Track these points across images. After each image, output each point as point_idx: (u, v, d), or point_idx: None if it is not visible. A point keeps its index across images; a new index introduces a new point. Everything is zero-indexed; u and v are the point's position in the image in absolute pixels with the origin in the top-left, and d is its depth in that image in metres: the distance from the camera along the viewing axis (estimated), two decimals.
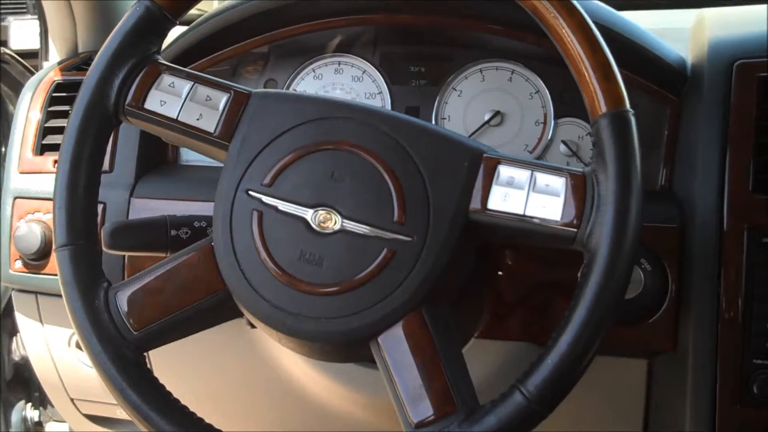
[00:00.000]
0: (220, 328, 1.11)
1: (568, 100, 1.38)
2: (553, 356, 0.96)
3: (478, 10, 1.36)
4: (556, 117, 1.40)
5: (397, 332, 1.02)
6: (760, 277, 1.21)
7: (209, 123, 1.10)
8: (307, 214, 1.05)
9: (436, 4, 1.38)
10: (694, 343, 1.23)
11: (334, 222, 1.04)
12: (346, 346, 1.05)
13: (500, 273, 1.32)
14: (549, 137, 1.40)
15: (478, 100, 1.44)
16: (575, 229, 0.99)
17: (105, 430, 1.75)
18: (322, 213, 1.04)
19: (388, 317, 1.02)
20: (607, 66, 1.01)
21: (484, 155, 1.04)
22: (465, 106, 1.44)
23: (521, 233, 1.04)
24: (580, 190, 1.00)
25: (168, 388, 1.05)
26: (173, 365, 1.44)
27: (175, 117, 1.10)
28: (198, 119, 1.10)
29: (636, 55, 1.34)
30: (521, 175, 1.03)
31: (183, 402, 1.06)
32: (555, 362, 0.96)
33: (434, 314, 1.03)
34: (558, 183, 1.02)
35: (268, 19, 1.46)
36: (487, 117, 1.43)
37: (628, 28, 1.34)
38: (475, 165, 1.04)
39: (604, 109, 0.99)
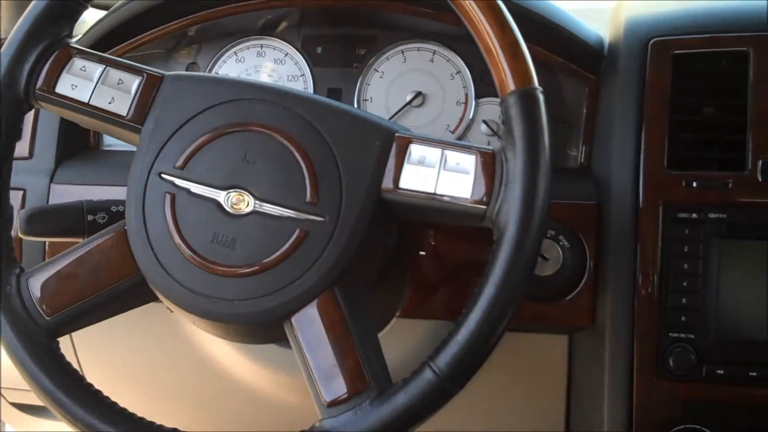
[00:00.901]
0: (144, 310, 1.11)
1: (488, 81, 1.40)
2: (463, 333, 0.97)
3: None
4: (477, 97, 1.42)
5: (310, 312, 1.03)
6: (675, 252, 1.24)
7: (121, 106, 1.10)
8: (220, 196, 1.05)
9: None
10: (612, 318, 1.25)
11: (247, 204, 1.05)
12: (260, 327, 1.06)
13: (423, 253, 1.32)
14: (470, 117, 1.41)
15: (400, 82, 1.45)
16: (485, 207, 1.01)
17: (34, 418, 1.75)
18: (234, 195, 1.05)
19: (301, 297, 1.03)
20: (516, 44, 1.02)
21: (396, 134, 1.05)
22: (387, 87, 1.45)
23: (433, 211, 1.05)
24: (490, 167, 1.01)
25: (92, 372, 1.06)
26: (98, 350, 1.45)
27: (86, 101, 1.10)
28: (110, 103, 1.10)
29: (553, 35, 1.36)
30: (432, 153, 1.05)
31: (107, 387, 1.06)
32: (465, 339, 0.97)
33: (347, 293, 1.04)
34: (468, 161, 1.03)
35: (189, 2, 1.45)
36: (408, 98, 1.44)
37: (545, 8, 1.36)
38: (387, 144, 1.05)
39: (512, 87, 1.01)
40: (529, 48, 1.29)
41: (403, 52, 1.45)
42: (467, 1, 1.04)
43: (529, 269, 0.99)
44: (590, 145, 1.36)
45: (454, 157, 1.04)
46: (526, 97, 1.01)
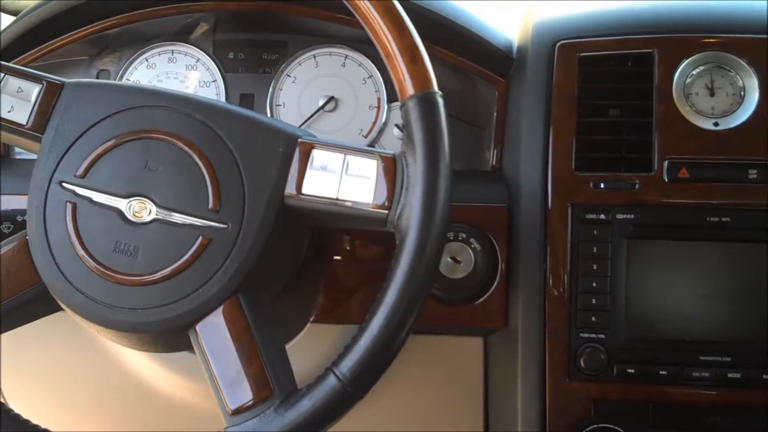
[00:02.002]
0: (60, 317, 1.11)
1: None
2: (366, 338, 0.98)
3: None
4: (389, 101, 1.43)
5: (214, 320, 1.04)
6: (585, 253, 1.26)
7: (21, 115, 1.10)
8: (122, 204, 1.05)
9: None
10: (523, 319, 1.27)
11: (149, 211, 1.05)
12: (164, 336, 1.06)
13: (338, 258, 1.33)
14: (383, 121, 1.43)
15: (312, 86, 1.47)
16: (386, 211, 1.02)
17: None
18: (136, 203, 1.05)
19: (204, 305, 1.03)
20: (414, 49, 1.04)
21: (299, 140, 1.06)
22: (300, 92, 1.46)
23: (336, 216, 1.06)
24: (391, 172, 1.02)
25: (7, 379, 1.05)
26: (14, 356, 1.44)
27: None
28: (9, 111, 1.10)
29: (463, 38, 1.38)
30: (335, 159, 1.06)
31: (23, 394, 1.06)
32: (367, 344, 0.98)
33: (252, 301, 1.05)
34: (370, 166, 1.04)
35: (97, 8, 1.45)
36: (321, 102, 1.45)
37: (455, 13, 1.39)
38: (290, 150, 1.06)
39: (411, 91, 1.02)
40: (439, 52, 1.31)
41: (315, 57, 1.46)
42: (366, 5, 1.04)
43: (431, 273, 1.01)
44: (501, 147, 1.37)
45: (356, 162, 1.05)
46: (425, 101, 1.02)
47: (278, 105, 1.46)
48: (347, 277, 1.34)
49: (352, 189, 1.05)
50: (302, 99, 1.45)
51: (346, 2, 1.08)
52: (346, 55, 1.44)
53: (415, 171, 1.01)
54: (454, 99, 1.43)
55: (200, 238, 1.04)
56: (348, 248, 1.33)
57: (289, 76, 1.46)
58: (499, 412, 1.37)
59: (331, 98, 1.44)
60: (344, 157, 1.06)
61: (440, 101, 1.02)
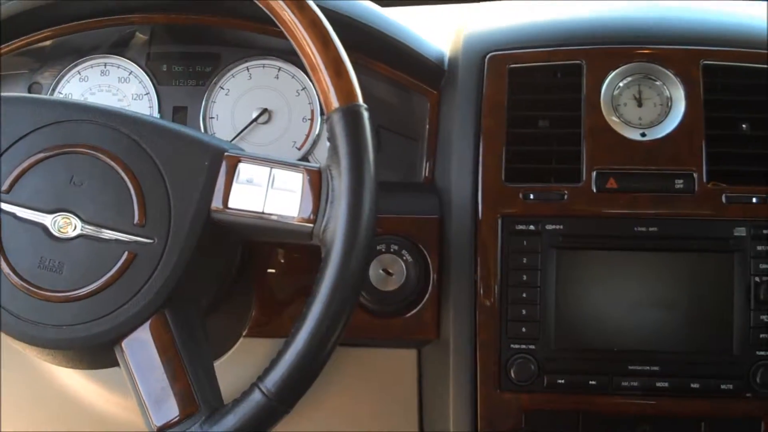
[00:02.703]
0: None
1: None
2: (291, 352, 0.99)
3: (232, 8, 1.38)
4: (323, 113, 1.43)
5: (140, 336, 1.04)
6: (515, 263, 1.28)
7: None
8: (46, 220, 1.05)
9: (187, 4, 1.39)
10: (455, 331, 1.28)
11: (74, 227, 1.05)
12: (89, 352, 1.07)
13: (272, 271, 1.34)
14: (317, 133, 1.44)
15: (245, 99, 1.47)
16: (312, 225, 1.03)
17: None
18: (61, 218, 1.05)
19: (130, 321, 1.03)
20: (339, 62, 1.05)
21: (225, 153, 1.07)
22: (233, 104, 1.47)
23: (262, 230, 1.07)
24: (316, 185, 1.03)
25: None
26: None
27: None
28: None
29: (394, 51, 1.39)
30: (261, 172, 1.07)
31: None
32: (292, 359, 0.99)
33: (179, 316, 1.05)
34: (295, 179, 1.05)
35: (29, 21, 1.44)
36: (254, 115, 1.45)
37: (386, 25, 1.39)
38: (216, 164, 1.07)
39: (336, 104, 1.03)
40: (371, 64, 1.32)
41: (248, 69, 1.47)
42: (291, 18, 1.05)
43: (356, 286, 1.02)
44: (434, 159, 1.39)
45: (282, 175, 1.06)
46: (349, 114, 1.03)
47: (211, 117, 1.46)
48: (281, 291, 1.34)
49: (278, 202, 1.06)
50: (236, 111, 1.46)
51: (272, 15, 1.09)
52: (280, 67, 1.45)
53: (340, 184, 1.02)
54: (388, 111, 1.44)
55: (126, 254, 1.04)
56: (283, 261, 1.34)
57: (222, 88, 1.47)
58: (434, 423, 1.39)
59: (265, 110, 1.45)
60: (270, 171, 1.07)
61: (365, 114, 1.03)
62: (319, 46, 1.05)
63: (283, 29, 1.08)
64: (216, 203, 1.06)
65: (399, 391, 1.39)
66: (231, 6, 1.39)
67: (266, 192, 1.06)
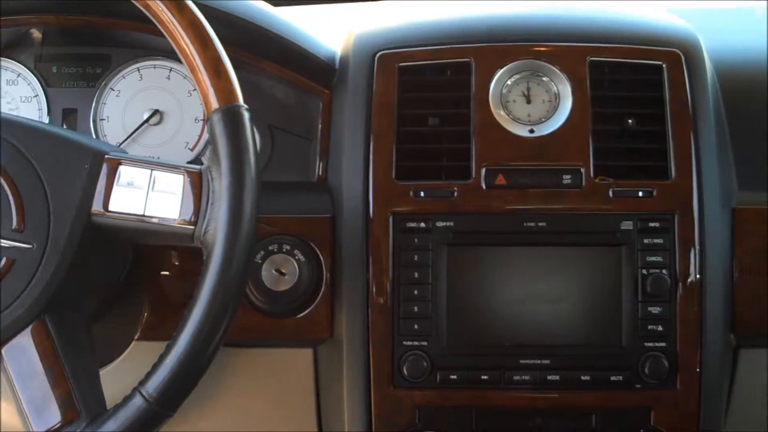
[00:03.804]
0: None
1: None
2: (172, 356, 0.99)
3: (121, 9, 1.37)
4: None
5: (20, 343, 1.03)
6: (406, 261, 1.29)
7: None
8: None
9: (72, 4, 1.38)
10: (348, 329, 1.29)
11: None
12: None
13: (166, 273, 1.33)
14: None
15: (136, 100, 1.47)
16: (192, 227, 1.03)
17: None
18: None
19: (9, 328, 1.03)
20: (218, 62, 1.05)
21: (106, 156, 1.06)
22: (124, 106, 1.46)
23: (144, 233, 1.07)
24: (197, 187, 1.04)
25: None
26: None
27: None
28: None
29: (284, 50, 1.40)
30: (141, 174, 1.06)
31: None
32: (173, 362, 0.99)
33: (60, 322, 1.04)
34: (176, 181, 1.05)
35: None
36: (145, 116, 1.43)
37: (275, 25, 1.40)
38: (96, 167, 1.06)
39: (216, 105, 1.03)
40: (263, 64, 1.32)
41: (139, 70, 1.46)
42: (169, 18, 1.05)
43: (238, 287, 1.02)
44: (327, 158, 1.39)
45: (163, 177, 1.06)
46: (229, 114, 1.03)
47: (102, 120, 1.45)
48: (175, 293, 1.34)
49: (159, 205, 1.05)
50: (127, 113, 1.45)
51: (151, 17, 1.08)
52: (171, 68, 1.45)
53: (220, 185, 1.02)
54: (281, 111, 1.45)
55: (4, 259, 1.04)
56: (177, 263, 1.33)
57: (113, 89, 1.46)
58: (331, 422, 1.39)
59: (156, 111, 1.44)
60: (151, 173, 1.07)
61: (246, 114, 1.04)
62: (198, 46, 1.05)
63: (162, 30, 1.08)
64: (96, 207, 1.06)
65: (296, 391, 1.39)
66: (119, 7, 1.38)
67: (147, 194, 1.06)
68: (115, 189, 1.06)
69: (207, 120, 1.04)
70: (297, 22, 1.45)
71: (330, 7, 1.79)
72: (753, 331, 1.33)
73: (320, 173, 1.42)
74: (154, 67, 1.47)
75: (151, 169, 1.06)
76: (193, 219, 1.03)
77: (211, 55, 1.05)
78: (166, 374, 0.98)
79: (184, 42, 1.05)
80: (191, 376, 1.00)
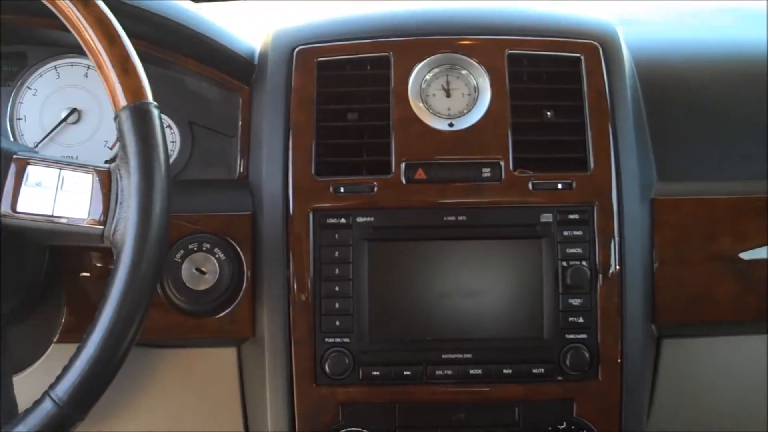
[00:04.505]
0: None
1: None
2: (82, 359, 0.98)
3: (30, 7, 1.35)
4: None
5: None
6: (327, 257, 1.29)
7: None
8: None
9: None
10: (269, 327, 1.29)
11: None
12: None
13: (86, 274, 1.32)
14: None
15: (54, 98, 1.45)
16: (102, 226, 1.02)
17: None
18: None
19: None
20: (126, 59, 1.04)
21: (14, 156, 1.05)
22: (41, 105, 1.44)
23: (54, 234, 1.06)
24: (106, 186, 1.03)
25: None
26: None
27: None
28: None
29: (202, 46, 1.39)
30: (50, 174, 1.05)
31: None
32: (83, 365, 0.98)
33: None
34: (85, 181, 1.04)
35: None
36: (63, 115, 1.42)
37: (192, 21, 1.39)
38: (4, 167, 1.05)
39: (124, 102, 1.02)
40: (181, 60, 1.31)
41: (56, 68, 1.45)
42: (76, 15, 1.04)
43: (148, 287, 1.01)
44: (248, 155, 1.38)
45: (71, 177, 1.05)
46: (138, 112, 1.02)
47: (19, 119, 1.44)
48: (95, 294, 1.33)
49: (68, 205, 1.04)
50: (44, 112, 1.43)
51: (58, 14, 1.07)
52: (89, 66, 1.44)
53: (129, 184, 1.01)
54: (202, 108, 1.44)
55: None
56: (97, 264, 1.31)
57: (29, 88, 1.44)
58: (257, 421, 1.39)
59: (74, 110, 1.43)
60: (59, 173, 1.05)
61: (155, 112, 1.03)
62: (105, 43, 1.04)
63: (69, 27, 1.06)
64: (5, 208, 1.05)
65: (221, 391, 1.39)
66: (31, 5, 1.36)
67: (55, 194, 1.04)
68: (24, 189, 1.04)
69: (115, 118, 1.02)
70: (216, 18, 1.44)
71: (253, 3, 1.76)
72: (673, 320, 1.35)
73: (241, 170, 1.41)
74: (72, 65, 1.46)
75: (60, 169, 1.05)
76: (102, 219, 1.02)
77: (119, 52, 1.04)
78: (76, 377, 0.97)
79: (91, 38, 1.04)
80: (102, 378, 0.99)
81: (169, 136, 1.43)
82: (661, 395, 1.40)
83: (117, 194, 1.02)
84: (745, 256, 1.34)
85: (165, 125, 1.40)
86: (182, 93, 1.43)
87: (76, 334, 1.27)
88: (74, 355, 0.98)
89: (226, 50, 1.40)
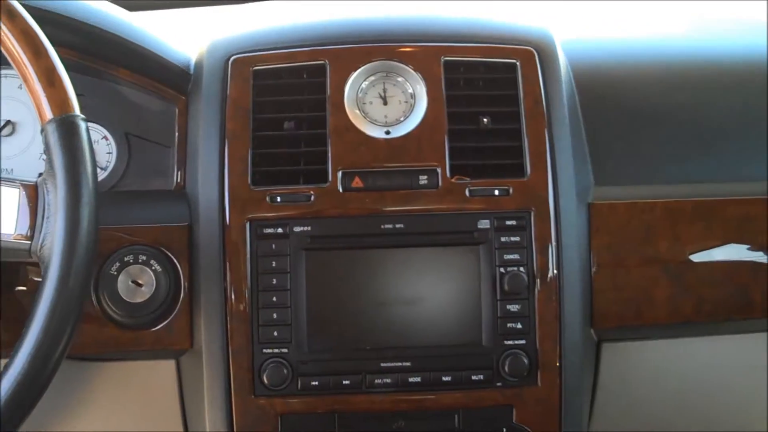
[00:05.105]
0: None
1: (84, 104, 1.39)
2: (10, 374, 0.98)
3: None
4: None
5: None
6: (264, 267, 1.29)
7: None
8: None
9: None
10: (207, 338, 1.28)
11: None
12: None
13: (22, 288, 1.30)
14: None
15: None
16: (29, 241, 1.00)
17: None
18: None
19: None
20: (52, 71, 1.03)
21: None
22: None
23: None
24: (33, 200, 1.01)
25: None
26: None
27: None
28: None
29: (136, 56, 1.38)
30: None
31: None
32: (11, 381, 0.98)
33: None
34: (12, 195, 1.03)
35: None
36: None
37: (128, 31, 1.38)
38: None
39: (50, 115, 1.01)
40: (116, 71, 1.30)
41: None
42: (2, 29, 1.03)
43: (76, 302, 1.00)
44: (185, 165, 1.37)
45: None
46: (64, 124, 1.01)
47: None
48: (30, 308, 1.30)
49: None
50: None
51: None
52: None
53: (56, 198, 1.00)
54: (138, 118, 1.42)
55: None
56: (35, 278, 1.30)
57: None
58: None
59: (8, 122, 1.41)
60: None
61: (82, 124, 1.02)
62: (31, 55, 1.03)
63: None
64: None
65: (161, 405, 1.38)
66: None
67: None
68: None
69: (42, 131, 1.01)
70: (151, 28, 1.43)
71: (193, 12, 1.75)
72: (612, 324, 1.35)
73: (179, 180, 1.40)
74: (5, 77, 1.43)
75: None
76: (29, 233, 1.01)
77: (44, 64, 1.03)
78: (5, 393, 0.96)
79: (16, 51, 1.03)
80: (31, 393, 0.98)
81: (105, 147, 1.40)
82: (602, 398, 1.40)
83: (44, 208, 1.01)
84: (696, 258, 1.34)
85: (101, 136, 1.39)
86: (118, 103, 1.42)
87: (11, 349, 1.25)
88: (2, 371, 0.97)
89: (161, 60, 1.39)
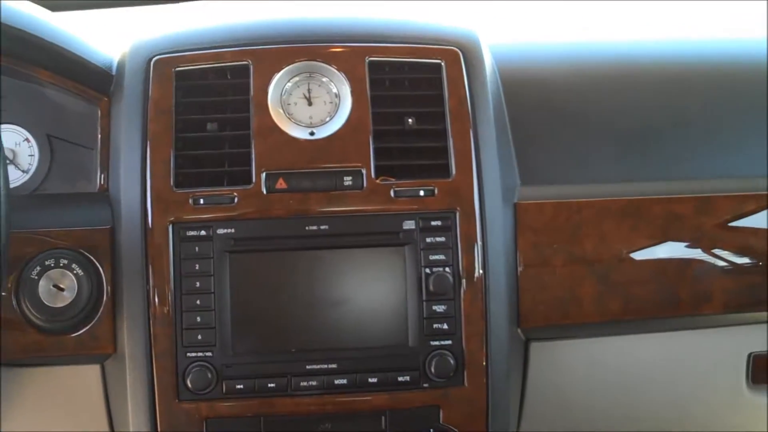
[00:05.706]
0: None
1: (5, 107, 1.36)
2: None
3: None
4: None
5: None
6: (187, 270, 1.27)
7: None
8: None
9: None
10: (130, 343, 1.27)
11: None
12: None
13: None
14: None
15: None
16: None
17: None
18: None
19: None
20: None
21: None
22: None
23: None
24: None
25: None
26: None
27: None
28: None
29: (57, 57, 1.36)
30: None
31: None
32: None
33: None
34: None
35: None
36: None
37: (47, 32, 1.35)
38: None
39: None
40: (36, 72, 1.27)
41: None
42: None
43: None
44: (108, 167, 1.35)
45: None
46: None
47: None
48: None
49: None
50: None
51: None
52: None
53: None
54: (59, 120, 1.41)
55: None
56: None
57: None
58: None
59: None
60: None
61: None
62: None
63: None
64: None
65: (87, 410, 1.36)
66: None
67: None
68: None
69: None
70: (72, 29, 1.40)
71: (116, 12, 1.73)
72: (539, 324, 1.36)
73: (101, 183, 1.38)
74: None
75: None
76: None
77: None
78: None
79: None
80: None
81: (27, 150, 1.39)
82: (532, 398, 1.41)
83: None
84: (637, 256, 1.38)
85: (23, 138, 1.37)
86: (40, 105, 1.40)
87: None
88: None
89: (81, 60, 1.37)
